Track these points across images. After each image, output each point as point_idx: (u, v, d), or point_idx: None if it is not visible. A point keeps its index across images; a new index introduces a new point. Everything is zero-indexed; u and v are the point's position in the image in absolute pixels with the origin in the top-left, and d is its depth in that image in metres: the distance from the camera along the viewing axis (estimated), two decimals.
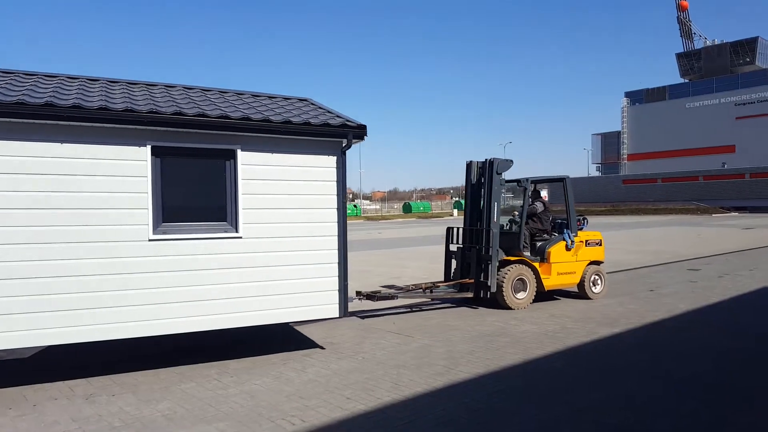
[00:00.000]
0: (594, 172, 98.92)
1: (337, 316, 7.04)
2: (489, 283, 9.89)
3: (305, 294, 6.79)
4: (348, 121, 6.95)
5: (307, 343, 7.67)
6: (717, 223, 43.72)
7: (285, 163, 6.68)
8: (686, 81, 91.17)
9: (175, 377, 6.17)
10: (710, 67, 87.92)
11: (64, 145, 5.62)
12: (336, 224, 6.96)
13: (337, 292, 6.97)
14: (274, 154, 6.62)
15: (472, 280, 10.14)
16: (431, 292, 10.01)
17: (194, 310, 6.19)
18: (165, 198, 6.08)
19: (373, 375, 6.15)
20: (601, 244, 11.54)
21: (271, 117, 6.53)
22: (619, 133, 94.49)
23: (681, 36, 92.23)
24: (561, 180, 11.48)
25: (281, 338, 8.03)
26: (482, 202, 10.44)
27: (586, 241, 11.20)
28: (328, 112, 7.58)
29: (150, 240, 5.98)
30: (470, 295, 10.20)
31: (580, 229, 11.30)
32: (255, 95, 8.08)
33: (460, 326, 8.65)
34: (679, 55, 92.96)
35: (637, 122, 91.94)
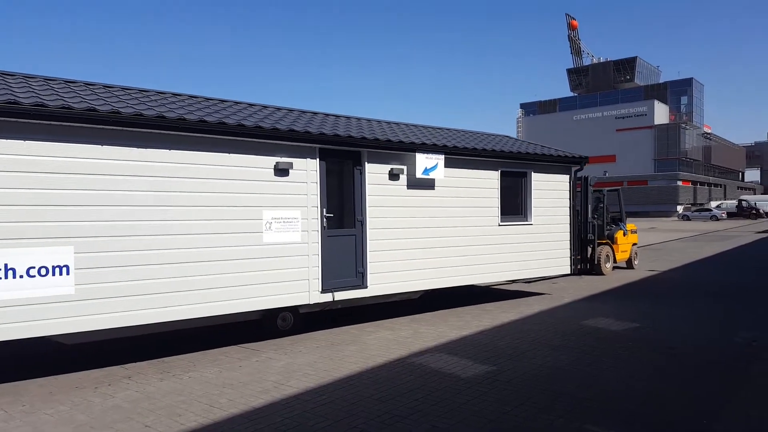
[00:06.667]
0: None
1: (569, 273, 11.59)
2: (591, 258, 14.81)
3: (557, 259, 11.26)
4: (580, 155, 11.50)
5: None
6: None
7: (548, 179, 11.11)
8: (575, 95, 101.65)
9: None
10: (596, 83, 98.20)
11: (464, 170, 9.70)
12: (568, 216, 11.49)
13: (569, 258, 11.50)
14: (544, 174, 11.02)
15: (579, 257, 14.96)
16: None
17: (515, 267, 10.46)
18: (502, 201, 10.29)
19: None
20: (636, 232, 16.91)
21: (546, 152, 10.95)
22: None
23: (571, 53, 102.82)
24: (616, 190, 16.71)
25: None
26: (579, 205, 15.26)
27: (631, 230, 16.48)
28: (542, 145, 12.05)
29: (499, 225, 10.19)
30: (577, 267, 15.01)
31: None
32: (484, 133, 12.32)
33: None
34: (569, 71, 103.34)
35: (531, 132, 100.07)
